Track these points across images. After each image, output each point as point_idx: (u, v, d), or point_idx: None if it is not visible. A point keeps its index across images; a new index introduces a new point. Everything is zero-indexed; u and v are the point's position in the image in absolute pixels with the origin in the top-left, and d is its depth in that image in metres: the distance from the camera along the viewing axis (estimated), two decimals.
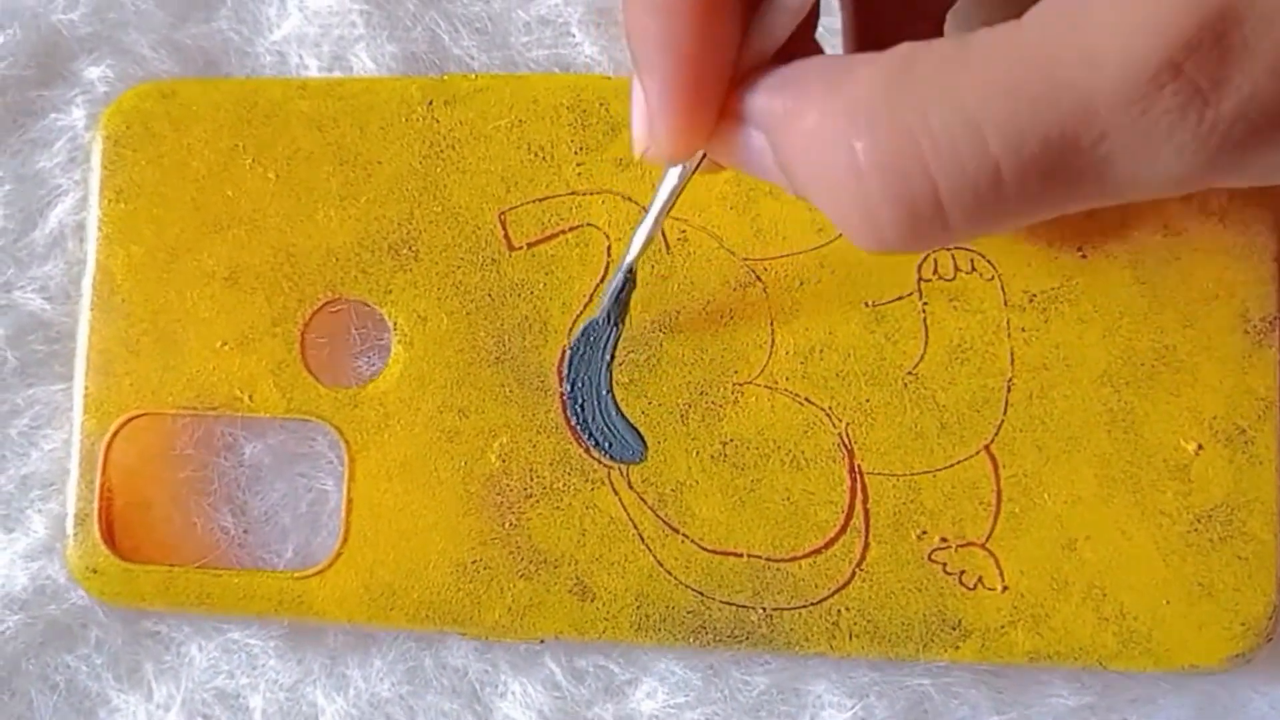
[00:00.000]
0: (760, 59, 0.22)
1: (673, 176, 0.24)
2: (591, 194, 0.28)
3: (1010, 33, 0.19)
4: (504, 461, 0.28)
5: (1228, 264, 0.27)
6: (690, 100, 0.21)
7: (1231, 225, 0.27)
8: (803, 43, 0.23)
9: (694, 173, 0.24)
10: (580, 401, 0.28)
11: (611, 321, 0.28)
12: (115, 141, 0.29)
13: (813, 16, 0.22)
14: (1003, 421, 0.27)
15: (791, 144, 0.21)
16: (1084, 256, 0.27)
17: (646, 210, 0.25)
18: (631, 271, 0.27)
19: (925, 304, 0.27)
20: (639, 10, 0.21)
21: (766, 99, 0.21)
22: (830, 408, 0.27)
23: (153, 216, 0.29)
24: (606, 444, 0.28)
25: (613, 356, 0.28)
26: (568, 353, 0.28)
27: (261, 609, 0.28)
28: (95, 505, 0.28)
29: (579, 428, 0.28)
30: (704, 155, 0.23)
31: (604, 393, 0.28)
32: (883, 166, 0.19)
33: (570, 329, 0.28)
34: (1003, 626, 0.27)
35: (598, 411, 0.28)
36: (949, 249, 0.28)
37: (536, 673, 0.29)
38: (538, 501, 0.28)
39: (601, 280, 0.28)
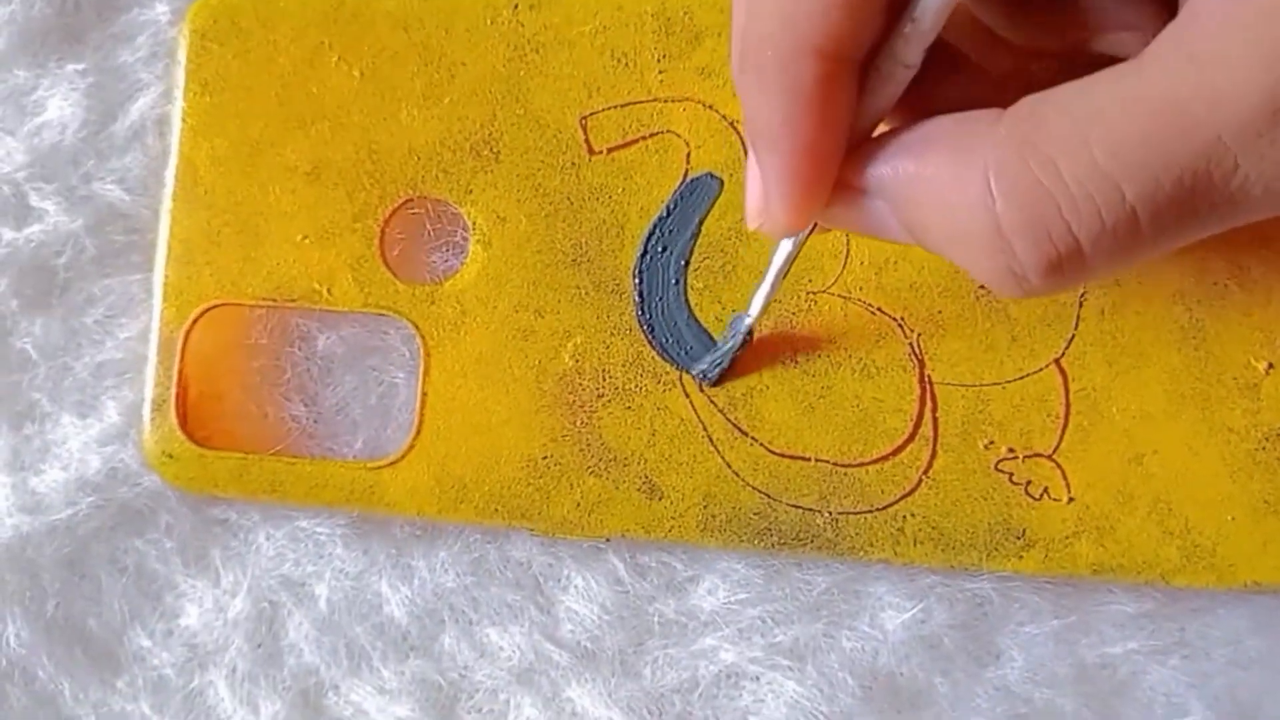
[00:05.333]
0: (872, 126, 0.22)
1: (787, 244, 0.25)
2: (673, 101, 0.29)
3: (1132, 78, 0.19)
4: (577, 361, 0.28)
5: None
6: (809, 178, 0.21)
7: None
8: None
9: (807, 238, 0.25)
10: (651, 310, 0.28)
11: (714, 379, 0.28)
12: (202, 35, 0.30)
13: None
14: (1074, 336, 0.27)
15: (923, 210, 0.21)
16: None
17: (764, 276, 0.26)
18: (750, 333, 0.27)
19: None
20: (756, 91, 0.21)
21: (889, 168, 0.21)
22: (903, 318, 0.28)
23: (237, 110, 0.29)
24: (676, 354, 0.28)
25: (687, 263, 0.28)
26: (639, 262, 0.28)
27: (333, 499, 0.29)
28: (173, 392, 0.29)
29: (650, 333, 0.28)
30: (815, 224, 0.24)
31: (675, 305, 0.28)
32: (1023, 228, 0.19)
33: (648, 236, 0.28)
34: (1067, 537, 0.27)
35: (667, 322, 0.28)
36: None
37: (599, 567, 0.29)
38: (609, 401, 0.28)
39: (681, 182, 0.28)
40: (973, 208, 0.20)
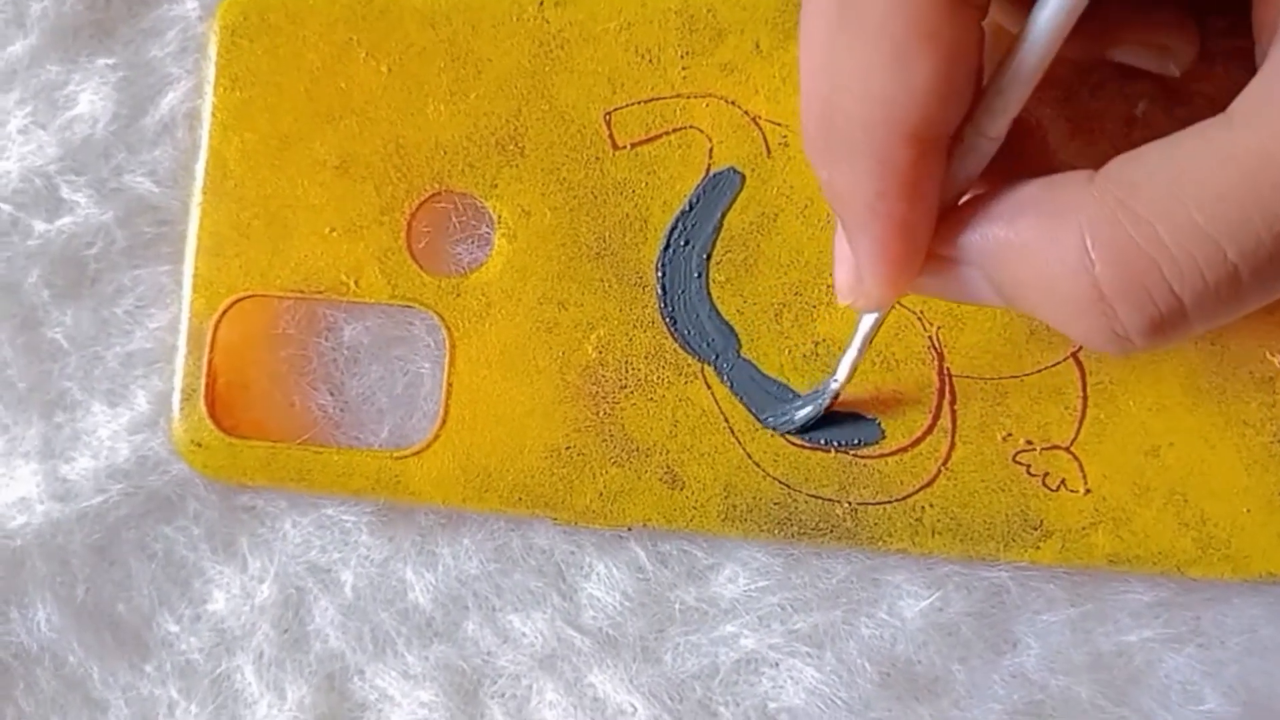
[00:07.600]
0: (958, 197, 0.22)
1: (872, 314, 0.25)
2: (696, 97, 0.29)
3: (1222, 134, 0.19)
4: (600, 353, 0.29)
5: None
6: (902, 256, 0.22)
7: None
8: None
9: (893, 305, 0.25)
10: (674, 302, 0.29)
11: (797, 432, 0.28)
12: (232, 31, 0.30)
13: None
14: None
15: (1019, 276, 0.21)
16: None
17: (850, 343, 0.26)
18: (837, 396, 0.27)
19: None
20: (846, 171, 0.21)
21: (980, 235, 0.21)
22: (922, 312, 0.28)
23: (266, 105, 0.30)
24: (698, 346, 0.28)
25: (709, 256, 0.29)
26: (662, 256, 0.29)
27: (359, 487, 0.29)
28: (202, 382, 0.29)
29: (672, 325, 0.29)
30: None
31: (697, 298, 0.29)
32: (1125, 291, 0.20)
33: (670, 230, 0.29)
34: (1084, 528, 0.27)
35: (690, 315, 0.29)
36: None
37: (621, 555, 0.29)
38: (632, 392, 0.29)
39: (704, 177, 0.29)
40: (1071, 272, 0.20)
